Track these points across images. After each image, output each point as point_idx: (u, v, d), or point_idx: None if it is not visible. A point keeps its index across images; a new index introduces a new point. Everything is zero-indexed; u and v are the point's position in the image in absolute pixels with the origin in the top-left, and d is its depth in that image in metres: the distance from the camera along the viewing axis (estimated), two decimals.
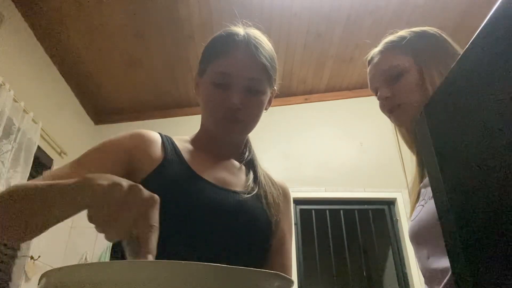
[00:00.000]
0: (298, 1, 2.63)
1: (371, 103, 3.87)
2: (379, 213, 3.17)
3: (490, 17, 0.31)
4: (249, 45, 0.78)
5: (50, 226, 0.54)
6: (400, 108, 0.85)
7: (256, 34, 0.82)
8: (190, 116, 3.41)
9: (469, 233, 0.34)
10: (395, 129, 0.97)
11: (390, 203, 3.17)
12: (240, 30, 0.82)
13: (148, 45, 2.84)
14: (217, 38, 0.83)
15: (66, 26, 2.61)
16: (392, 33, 0.91)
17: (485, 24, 0.32)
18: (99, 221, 0.41)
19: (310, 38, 2.95)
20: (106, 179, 0.44)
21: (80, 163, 0.71)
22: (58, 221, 0.53)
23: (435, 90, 0.41)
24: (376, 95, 0.93)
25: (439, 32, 0.87)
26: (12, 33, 2.37)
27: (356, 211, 3.16)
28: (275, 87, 0.86)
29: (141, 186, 0.44)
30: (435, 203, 0.40)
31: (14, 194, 0.55)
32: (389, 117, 0.90)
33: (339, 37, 2.96)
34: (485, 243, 0.32)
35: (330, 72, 3.34)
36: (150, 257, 0.39)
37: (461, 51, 0.81)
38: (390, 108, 0.87)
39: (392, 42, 0.88)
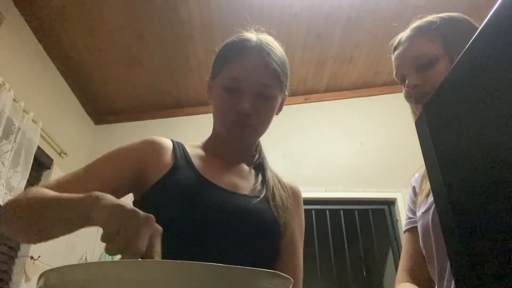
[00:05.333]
0: (298, 1, 2.63)
1: (371, 103, 3.88)
2: (379, 213, 3.17)
3: (490, 17, 0.31)
4: (261, 51, 0.79)
5: (60, 235, 0.59)
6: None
7: (268, 40, 0.83)
8: (189, 116, 3.41)
9: (469, 233, 0.34)
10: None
11: (390, 203, 3.16)
12: (252, 36, 0.83)
13: (148, 45, 2.84)
14: (230, 43, 0.85)
15: (66, 26, 2.61)
16: (420, 18, 0.86)
17: (485, 24, 0.32)
18: (114, 244, 0.44)
19: (310, 38, 2.95)
20: (120, 201, 0.49)
21: (91, 170, 0.73)
22: (67, 232, 0.57)
23: (435, 90, 0.40)
24: (401, 83, 0.87)
25: (467, 18, 0.83)
26: (12, 33, 2.37)
27: (356, 211, 3.16)
28: (286, 92, 0.87)
29: (153, 218, 0.48)
30: (435, 203, 0.40)
31: (29, 201, 0.61)
32: (415, 107, 0.85)
33: (339, 37, 2.96)
34: (485, 243, 0.32)
35: (330, 72, 3.34)
36: None
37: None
38: (418, 97, 0.82)
39: (421, 27, 0.83)
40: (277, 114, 0.86)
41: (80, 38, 2.72)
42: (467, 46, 0.34)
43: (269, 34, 0.86)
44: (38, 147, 2.48)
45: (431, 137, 0.40)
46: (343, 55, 3.15)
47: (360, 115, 3.47)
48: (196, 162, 0.80)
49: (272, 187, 0.83)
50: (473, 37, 0.33)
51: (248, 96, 0.77)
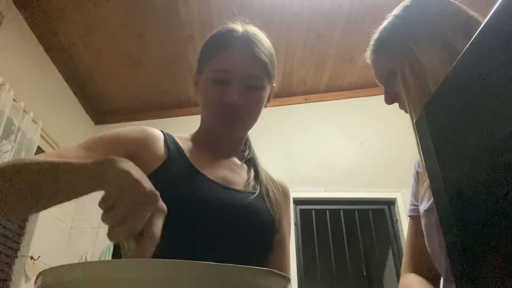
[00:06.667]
0: (298, 1, 2.63)
1: (371, 103, 3.89)
2: (379, 213, 3.17)
3: (490, 17, 0.31)
4: (248, 42, 0.78)
5: (59, 202, 0.53)
6: (409, 106, 0.80)
7: (255, 31, 0.82)
8: (190, 116, 3.41)
9: (469, 233, 0.34)
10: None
11: (390, 203, 3.16)
12: (238, 27, 0.82)
13: (148, 45, 2.84)
14: (216, 35, 0.83)
15: (66, 26, 2.61)
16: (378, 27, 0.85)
17: (485, 24, 0.32)
18: (110, 215, 0.41)
19: (310, 38, 2.95)
20: (133, 168, 0.44)
21: (86, 148, 0.69)
22: (69, 198, 0.51)
23: (435, 91, 0.40)
24: None
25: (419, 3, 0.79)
26: (12, 33, 2.37)
27: (356, 211, 3.16)
28: (274, 84, 0.86)
29: (159, 195, 0.44)
30: (435, 203, 0.40)
31: (22, 166, 0.54)
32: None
33: (339, 37, 2.96)
34: (485, 243, 0.32)
35: (330, 72, 3.34)
36: None
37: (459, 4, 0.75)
38: (401, 107, 0.83)
39: (375, 40, 0.84)
40: (265, 106, 0.84)
41: (80, 38, 2.72)
42: (467, 45, 0.34)
43: (255, 25, 0.85)
44: (38, 147, 2.48)
45: (431, 137, 0.40)
46: (343, 55, 3.15)
47: (360, 115, 3.47)
48: (188, 154, 0.79)
49: (266, 183, 0.83)
50: (473, 37, 0.33)
51: (236, 88, 0.76)
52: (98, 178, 0.45)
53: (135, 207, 0.41)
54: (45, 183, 0.51)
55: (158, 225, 0.43)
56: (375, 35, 0.84)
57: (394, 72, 0.79)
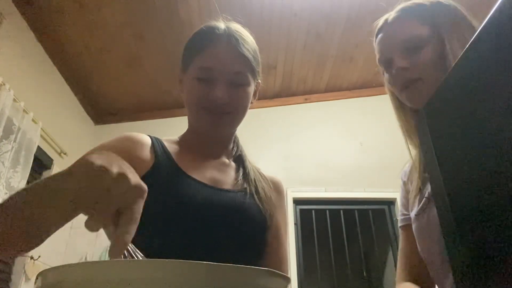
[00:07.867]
0: (298, 1, 2.63)
1: (371, 103, 3.88)
2: (379, 213, 3.17)
3: (490, 17, 0.31)
4: (230, 38, 0.78)
5: (56, 226, 0.48)
6: (418, 82, 0.75)
7: (237, 27, 0.82)
8: None
9: (469, 232, 0.34)
10: (399, 117, 0.86)
11: (390, 203, 3.16)
12: (220, 24, 0.82)
13: (148, 45, 2.84)
14: (199, 33, 0.83)
15: (66, 26, 2.61)
16: (406, 1, 0.81)
17: (485, 24, 0.32)
18: (83, 206, 0.39)
19: (310, 38, 2.95)
20: (100, 158, 0.41)
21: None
22: (62, 219, 0.45)
23: (435, 90, 0.40)
24: (385, 68, 0.82)
25: (458, 7, 0.79)
26: (12, 33, 2.37)
27: (356, 211, 3.16)
28: (259, 80, 0.85)
29: (130, 174, 0.41)
30: (435, 203, 0.40)
31: (12, 200, 0.50)
32: (399, 93, 0.80)
33: (339, 37, 2.96)
34: (485, 242, 0.32)
35: (330, 72, 3.34)
36: (122, 250, 0.38)
37: (474, 24, 0.76)
38: (406, 81, 0.77)
39: (410, 9, 0.79)
40: (252, 102, 0.84)
41: (80, 38, 2.72)
42: (468, 45, 0.34)
43: (238, 22, 0.85)
44: (38, 147, 2.48)
45: (431, 137, 0.40)
46: (343, 55, 3.15)
47: (360, 115, 3.47)
48: (176, 158, 0.78)
49: (254, 179, 0.83)
50: (473, 38, 0.33)
51: (221, 85, 0.75)
52: (72, 183, 0.42)
53: (101, 195, 0.39)
54: (38, 207, 0.48)
55: (138, 207, 0.40)
56: (410, 3, 0.80)
57: (424, 44, 0.75)
